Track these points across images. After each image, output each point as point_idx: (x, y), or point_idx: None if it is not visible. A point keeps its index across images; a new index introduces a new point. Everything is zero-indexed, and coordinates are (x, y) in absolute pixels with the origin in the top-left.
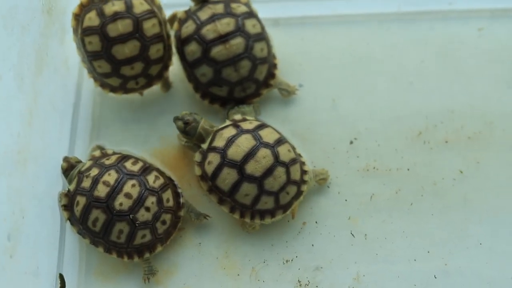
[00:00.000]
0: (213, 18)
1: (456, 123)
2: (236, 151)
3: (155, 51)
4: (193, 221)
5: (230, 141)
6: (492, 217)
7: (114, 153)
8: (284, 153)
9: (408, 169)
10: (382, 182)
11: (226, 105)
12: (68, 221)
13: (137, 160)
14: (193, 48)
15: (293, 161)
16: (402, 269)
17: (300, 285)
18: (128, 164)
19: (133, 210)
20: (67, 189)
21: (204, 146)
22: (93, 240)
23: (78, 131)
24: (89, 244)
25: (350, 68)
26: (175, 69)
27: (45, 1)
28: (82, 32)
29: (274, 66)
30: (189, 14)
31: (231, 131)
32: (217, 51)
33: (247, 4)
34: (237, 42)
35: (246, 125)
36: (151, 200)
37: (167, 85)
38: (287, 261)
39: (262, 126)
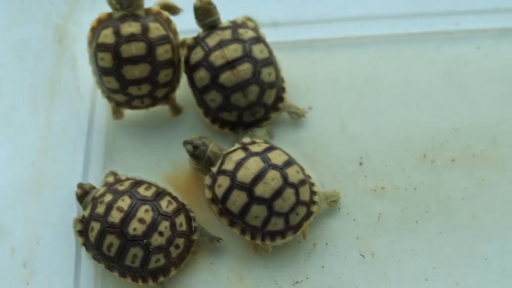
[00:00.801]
0: (221, 44)
1: (462, 142)
2: (245, 174)
3: (164, 75)
4: (206, 245)
5: (239, 164)
6: (500, 234)
7: (127, 179)
8: (292, 174)
9: (415, 188)
10: (390, 202)
11: (236, 129)
12: (83, 247)
13: (150, 185)
14: (202, 75)
15: (302, 182)
16: None
17: None
18: (141, 190)
19: (147, 235)
20: (81, 215)
21: (214, 169)
22: (108, 265)
23: (91, 157)
24: (104, 268)
25: (358, 90)
26: (186, 94)
27: (56, 31)
28: (96, 47)
29: (282, 89)
30: (198, 41)
31: (240, 154)
32: (225, 77)
33: (255, 29)
34: (245, 68)
35: (254, 148)
36: (164, 225)
37: (175, 109)
38: (297, 282)
39: (271, 148)
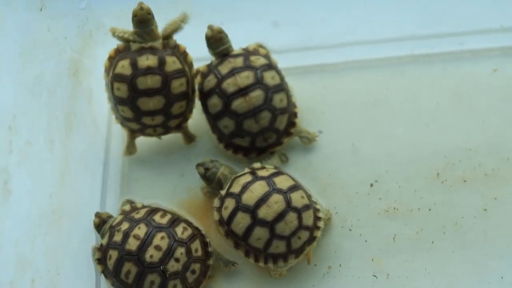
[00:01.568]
0: (233, 71)
1: (473, 161)
2: (250, 197)
3: (178, 107)
4: (222, 269)
5: (245, 187)
6: None
7: (143, 207)
8: (296, 199)
9: (430, 209)
10: (403, 223)
11: (249, 155)
12: (102, 274)
13: (165, 212)
14: (215, 102)
15: (306, 207)
16: None
17: None
18: (157, 217)
19: (163, 262)
20: (100, 243)
21: (223, 192)
22: None
23: (108, 186)
24: None
25: (368, 112)
26: (200, 120)
27: (71, 65)
28: (113, 77)
29: (294, 115)
30: (211, 68)
31: (247, 178)
32: (238, 104)
33: (267, 56)
34: (257, 95)
35: (262, 173)
36: (180, 251)
37: (188, 137)
38: None
39: (278, 173)
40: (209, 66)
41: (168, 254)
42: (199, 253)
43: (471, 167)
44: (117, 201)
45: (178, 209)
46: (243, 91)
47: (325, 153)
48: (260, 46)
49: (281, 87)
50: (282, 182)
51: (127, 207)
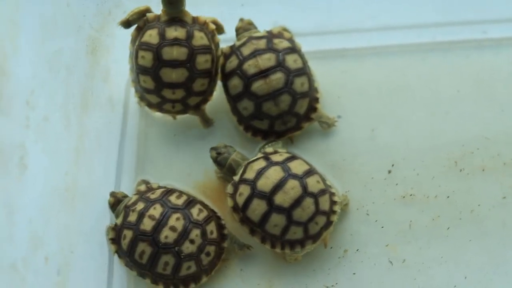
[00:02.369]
0: (255, 53)
1: (492, 150)
2: (265, 183)
3: (199, 84)
4: (236, 252)
5: (260, 173)
6: None
7: (159, 187)
8: (312, 184)
9: (448, 197)
10: (420, 210)
11: (268, 138)
12: (115, 254)
13: (181, 193)
14: (235, 83)
15: (322, 192)
16: None
17: None
18: (173, 198)
19: (178, 243)
20: (114, 223)
21: (236, 178)
22: (140, 272)
23: (123, 166)
24: (136, 276)
25: (387, 98)
26: (220, 102)
27: (89, 43)
28: (139, 45)
29: (315, 100)
30: (233, 49)
31: (261, 164)
32: (258, 85)
33: (291, 40)
34: (277, 77)
35: (276, 158)
36: (195, 233)
37: (205, 121)
38: (327, 287)
39: (292, 158)
40: (232, 47)
41: (183, 235)
42: (214, 235)
43: (489, 156)
44: (132, 181)
45: (193, 191)
46: (263, 73)
47: (343, 138)
48: (285, 29)
49: (303, 71)
50: (297, 167)
51: (143, 187)
